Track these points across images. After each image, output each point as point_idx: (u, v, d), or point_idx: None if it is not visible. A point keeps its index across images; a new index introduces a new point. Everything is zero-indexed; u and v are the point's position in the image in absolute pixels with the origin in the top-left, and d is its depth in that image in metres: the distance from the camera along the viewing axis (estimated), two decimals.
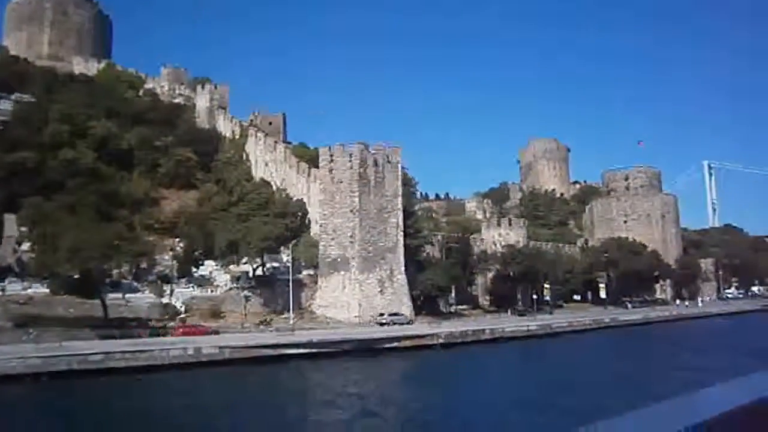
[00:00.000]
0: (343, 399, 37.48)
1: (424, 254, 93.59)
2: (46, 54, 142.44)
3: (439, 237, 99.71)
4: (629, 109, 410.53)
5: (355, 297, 78.87)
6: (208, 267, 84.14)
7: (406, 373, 47.24)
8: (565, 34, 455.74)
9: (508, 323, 72.47)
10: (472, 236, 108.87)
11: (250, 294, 72.80)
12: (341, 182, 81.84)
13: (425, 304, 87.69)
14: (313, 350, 50.82)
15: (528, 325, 69.60)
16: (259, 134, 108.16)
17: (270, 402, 36.81)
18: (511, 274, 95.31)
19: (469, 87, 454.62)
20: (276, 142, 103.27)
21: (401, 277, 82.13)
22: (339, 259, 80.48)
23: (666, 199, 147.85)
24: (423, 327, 65.04)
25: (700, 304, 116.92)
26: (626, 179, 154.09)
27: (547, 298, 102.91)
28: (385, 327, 66.74)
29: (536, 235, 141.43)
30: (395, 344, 55.38)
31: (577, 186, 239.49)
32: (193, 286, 77.96)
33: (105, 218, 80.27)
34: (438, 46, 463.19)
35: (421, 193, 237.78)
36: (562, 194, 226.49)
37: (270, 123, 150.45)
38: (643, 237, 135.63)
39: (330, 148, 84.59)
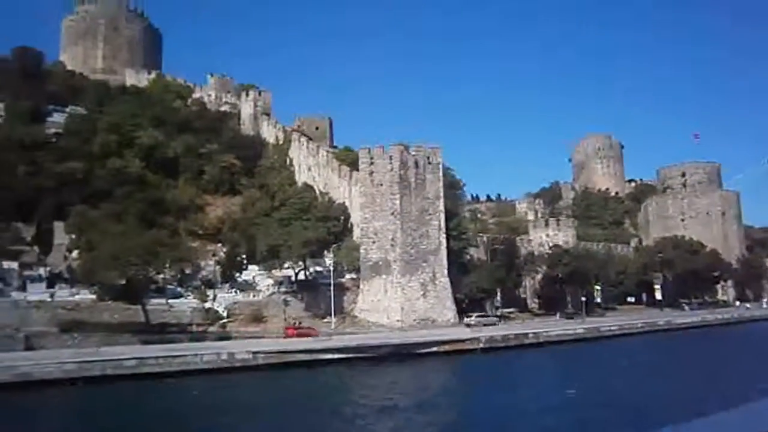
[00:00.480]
0: (376, 405, 36.39)
1: (469, 257, 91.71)
2: (100, 68, 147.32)
3: (485, 239, 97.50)
4: (685, 102, 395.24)
5: (397, 301, 77.76)
6: (252, 272, 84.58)
7: (440, 379, 45.72)
8: (618, 33, 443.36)
9: (554, 327, 69.78)
10: (519, 237, 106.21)
11: (289, 299, 72.59)
12: (381, 185, 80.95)
13: (470, 307, 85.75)
14: (350, 355, 49.93)
15: (575, 329, 66.86)
16: (302, 139, 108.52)
17: (297, 407, 36.03)
18: (559, 275, 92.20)
19: (519, 85, 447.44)
20: (318, 146, 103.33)
21: (444, 280, 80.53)
22: (380, 263, 79.55)
23: (726, 196, 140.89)
24: (464, 331, 63.28)
25: (764, 306, 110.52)
26: (683, 175, 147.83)
27: (598, 300, 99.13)
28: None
29: (588, 236, 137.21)
30: (434, 349, 53.96)
31: (633, 184, 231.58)
32: (235, 291, 78.41)
33: (150, 225, 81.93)
34: (484, 42, 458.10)
35: (472, 196, 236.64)
36: (616, 193, 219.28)
37: (316, 128, 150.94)
38: (701, 236, 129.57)
39: (369, 150, 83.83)
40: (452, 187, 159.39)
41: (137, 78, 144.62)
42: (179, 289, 78.04)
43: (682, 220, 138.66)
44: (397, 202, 79.84)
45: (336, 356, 49.45)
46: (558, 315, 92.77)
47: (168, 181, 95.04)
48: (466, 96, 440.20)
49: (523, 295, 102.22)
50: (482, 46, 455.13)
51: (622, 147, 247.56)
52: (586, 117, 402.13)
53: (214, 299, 75.66)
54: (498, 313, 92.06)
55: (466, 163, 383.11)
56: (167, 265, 64.08)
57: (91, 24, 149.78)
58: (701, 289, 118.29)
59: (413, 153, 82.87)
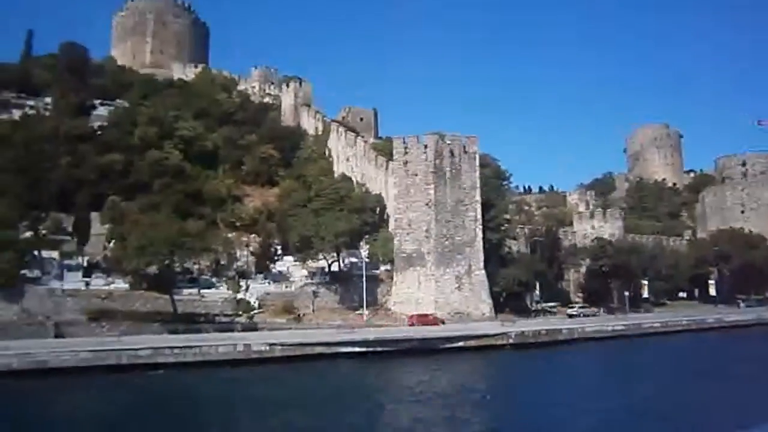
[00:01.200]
0: (386, 402, 35.05)
1: (507, 249, 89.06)
2: (149, 62, 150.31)
3: (526, 230, 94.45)
4: (748, 90, 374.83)
5: (430, 293, 76.06)
6: (286, 263, 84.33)
7: (459, 378, 43.77)
8: (675, 17, 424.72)
9: (592, 322, 66.68)
10: (563, 230, 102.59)
11: (317, 290, 71.93)
12: (416, 175, 79.23)
13: (509, 300, 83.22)
14: (370, 349, 48.68)
15: (613, 325, 63.58)
16: (340, 129, 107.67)
17: (307, 403, 34.96)
18: (603, 269, 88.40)
19: (574, 74, 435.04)
20: (356, 136, 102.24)
21: (480, 273, 78.26)
22: (414, 255, 77.96)
23: None
24: (494, 325, 61.08)
25: None
26: (743, 165, 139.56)
27: (646, 295, 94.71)
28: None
29: (639, 228, 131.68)
30: (460, 344, 52.08)
31: (692, 175, 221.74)
32: (269, 282, 78.27)
33: (185, 216, 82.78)
34: (536, 31, 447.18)
35: (525, 188, 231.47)
36: (674, 184, 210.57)
37: (361, 119, 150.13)
38: (763, 229, 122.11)
39: (404, 139, 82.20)
40: (497, 177, 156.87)
41: (184, 72, 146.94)
42: (213, 279, 78.54)
43: (742, 212, 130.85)
44: (432, 192, 77.98)
45: (356, 349, 48.27)
46: (601, 310, 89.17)
47: (207, 173, 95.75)
48: (519, 86, 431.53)
49: (566, 289, 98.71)
50: (533, 34, 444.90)
51: (681, 136, 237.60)
52: (644, 106, 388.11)
53: (246, 290, 75.79)
54: (539, 307, 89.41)
55: (518, 155, 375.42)
56: (193, 256, 64.06)
57: (139, 19, 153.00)
58: (762, 285, 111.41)
59: (448, 142, 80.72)
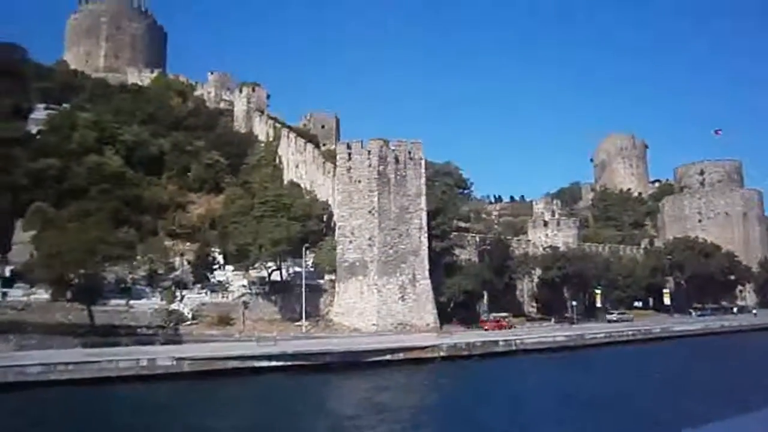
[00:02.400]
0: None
1: (456, 257, 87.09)
2: (103, 66, 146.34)
3: (477, 239, 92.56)
4: (715, 101, 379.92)
5: (373, 304, 73.69)
6: (227, 272, 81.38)
7: (368, 394, 41.22)
8: (639, 32, 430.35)
9: (534, 333, 64.78)
10: (516, 238, 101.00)
11: (256, 300, 69.17)
12: (359, 181, 76.95)
13: (458, 311, 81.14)
14: (288, 363, 46.01)
15: (554, 336, 61.68)
16: (290, 135, 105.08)
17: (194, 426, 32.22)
18: (554, 278, 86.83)
19: (543, 86, 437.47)
20: (306, 142, 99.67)
21: (425, 282, 76.10)
22: (357, 264, 75.55)
23: (747, 195, 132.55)
24: (429, 337, 58.85)
25: None
26: (701, 174, 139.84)
27: (599, 304, 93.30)
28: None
29: (600, 237, 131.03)
30: (387, 357, 49.61)
31: (656, 185, 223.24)
32: (206, 292, 75.25)
33: (123, 223, 79.58)
34: (503, 42, 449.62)
35: (495, 197, 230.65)
36: (640, 194, 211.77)
37: (323, 126, 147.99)
38: (720, 237, 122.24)
39: (348, 144, 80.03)
40: (459, 186, 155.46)
41: (139, 76, 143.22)
42: (148, 289, 75.35)
43: (700, 221, 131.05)
44: (375, 199, 75.77)
45: (274, 363, 45.57)
46: (553, 320, 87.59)
47: (151, 179, 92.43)
48: (487, 96, 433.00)
49: (519, 299, 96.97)
50: (501, 45, 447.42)
51: (646, 146, 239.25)
52: (613, 118, 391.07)
53: (181, 300, 72.81)
54: (490, 317, 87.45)
55: (491, 165, 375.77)
56: (119, 264, 61.02)
57: (93, 22, 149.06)
58: (718, 294, 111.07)
59: (393, 148, 78.64)
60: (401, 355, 50.31)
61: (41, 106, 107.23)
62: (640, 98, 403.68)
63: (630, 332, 68.62)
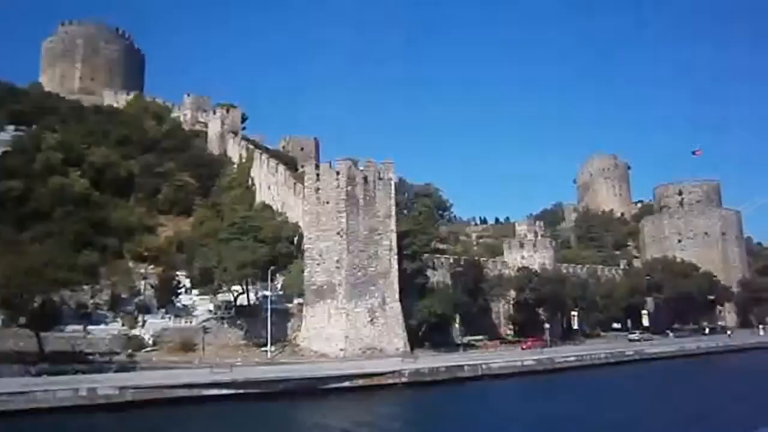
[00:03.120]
0: None
1: (432, 280, 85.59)
2: (78, 88, 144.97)
3: (451, 260, 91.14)
4: (699, 123, 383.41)
5: (341, 328, 71.74)
6: (193, 296, 79.33)
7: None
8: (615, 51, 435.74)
9: (505, 357, 63.06)
10: (492, 260, 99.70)
11: (212, 326, 67.23)
12: (327, 202, 75.47)
13: (429, 334, 79.34)
14: (239, 391, 44.06)
15: (522, 360, 60.01)
16: (263, 157, 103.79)
17: None
18: (529, 300, 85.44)
19: (526, 104, 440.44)
20: (278, 164, 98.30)
21: (395, 306, 74.37)
22: (325, 287, 73.74)
23: (726, 215, 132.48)
24: (393, 362, 57.09)
25: (761, 333, 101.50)
26: (680, 194, 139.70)
27: (575, 326, 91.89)
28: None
29: (581, 258, 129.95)
30: (345, 384, 47.76)
31: (639, 205, 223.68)
32: (170, 317, 73.06)
33: (86, 246, 77.53)
34: (490, 59, 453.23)
35: (480, 219, 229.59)
36: (622, 214, 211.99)
37: (302, 148, 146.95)
38: (700, 257, 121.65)
39: (317, 165, 78.80)
40: (439, 208, 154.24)
41: (115, 98, 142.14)
42: (109, 314, 73.12)
43: (679, 241, 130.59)
44: (344, 220, 74.19)
45: (223, 392, 43.60)
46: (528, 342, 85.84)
47: (120, 201, 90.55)
48: (469, 117, 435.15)
49: (495, 321, 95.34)
50: (487, 62, 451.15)
51: (629, 167, 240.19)
52: (596, 139, 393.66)
53: (143, 325, 70.61)
54: (464, 341, 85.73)
55: (473, 187, 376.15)
56: (62, 288, 59.04)
57: (69, 45, 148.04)
58: (699, 314, 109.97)
59: (362, 168, 77.41)
60: (360, 382, 48.49)
61: (11, 127, 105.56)
62: (623, 118, 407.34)
63: (602, 355, 67.03)
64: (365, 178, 76.58)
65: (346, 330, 71.50)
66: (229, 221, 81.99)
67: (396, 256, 75.98)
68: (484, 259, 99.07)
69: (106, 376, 49.25)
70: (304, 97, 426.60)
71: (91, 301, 74.24)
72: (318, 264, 74.58)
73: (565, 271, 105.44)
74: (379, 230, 76.00)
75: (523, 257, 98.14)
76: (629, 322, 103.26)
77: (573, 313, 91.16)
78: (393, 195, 77.89)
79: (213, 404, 42.67)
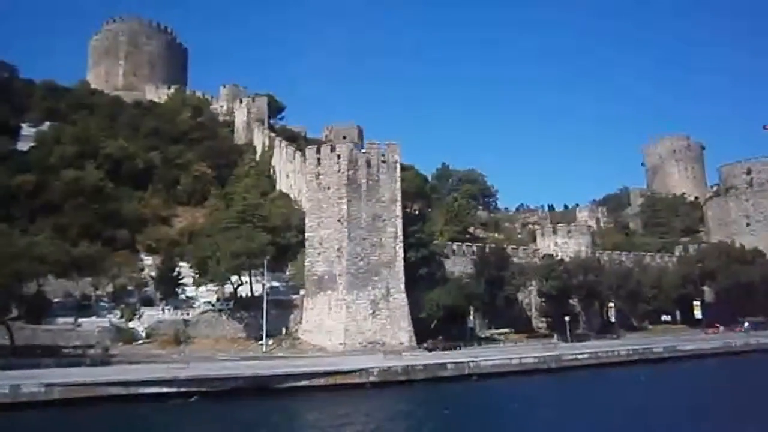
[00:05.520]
0: None
1: (453, 270, 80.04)
2: (121, 85, 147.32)
3: (474, 248, 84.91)
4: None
5: (341, 321, 67.51)
6: (198, 288, 77.12)
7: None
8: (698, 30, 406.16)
9: (494, 355, 56.88)
10: (523, 248, 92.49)
11: (206, 319, 64.52)
12: (328, 188, 71.35)
13: (446, 327, 73.71)
14: (182, 389, 40.70)
15: (521, 357, 53.65)
16: (282, 144, 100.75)
17: None
18: (552, 291, 78.12)
19: (592, 87, 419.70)
20: (295, 151, 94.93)
21: (400, 297, 69.46)
22: (326, 277, 69.79)
23: None
24: (374, 359, 52.36)
25: None
26: (748, 173, 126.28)
27: (613, 319, 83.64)
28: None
29: (637, 245, 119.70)
30: (304, 383, 43.52)
31: (714, 189, 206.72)
32: (169, 309, 71.10)
33: (94, 238, 76.77)
34: (550, 41, 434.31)
35: (549, 206, 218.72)
36: (696, 198, 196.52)
37: (344, 137, 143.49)
38: None
39: (319, 148, 74.70)
40: (484, 194, 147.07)
41: (156, 93, 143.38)
42: (111, 305, 72.06)
43: (747, 224, 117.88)
44: (344, 206, 69.88)
45: (163, 390, 40.33)
46: (555, 337, 78.78)
47: (131, 193, 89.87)
48: (531, 101, 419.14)
49: (527, 313, 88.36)
50: (547, 46, 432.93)
51: (703, 148, 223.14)
52: (667, 118, 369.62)
53: (140, 318, 69.02)
54: (487, 334, 79.73)
55: (529, 173, 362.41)
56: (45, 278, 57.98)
57: (112, 42, 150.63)
58: (759, 306, 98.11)
59: (364, 151, 72.73)
60: (322, 381, 44.10)
61: (46, 124, 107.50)
62: (699, 98, 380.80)
63: (624, 352, 59.44)
64: (368, 162, 71.89)
65: (346, 323, 67.26)
66: (237, 210, 79.07)
67: (402, 244, 70.95)
68: (514, 247, 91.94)
69: (65, 371, 46.99)
70: (350, 87, 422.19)
71: (96, 293, 73.59)
72: (318, 253, 70.69)
73: (607, 258, 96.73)
74: (384, 217, 71.16)
75: (556, 244, 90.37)
76: (678, 314, 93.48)
77: (610, 304, 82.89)
78: (398, 179, 72.70)
79: (150, 404, 39.57)
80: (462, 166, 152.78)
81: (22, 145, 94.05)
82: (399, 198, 72.06)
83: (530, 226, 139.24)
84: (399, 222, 71.32)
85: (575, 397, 44.91)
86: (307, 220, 72.54)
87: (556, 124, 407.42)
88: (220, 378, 42.28)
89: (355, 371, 45.25)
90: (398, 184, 72.50)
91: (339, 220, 69.97)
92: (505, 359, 52.54)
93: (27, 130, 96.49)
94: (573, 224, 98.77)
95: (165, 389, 40.53)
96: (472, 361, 50.22)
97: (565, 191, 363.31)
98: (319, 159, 72.69)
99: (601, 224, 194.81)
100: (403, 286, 69.73)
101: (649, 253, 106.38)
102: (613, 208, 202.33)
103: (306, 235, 72.21)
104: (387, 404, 41.37)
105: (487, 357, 52.45)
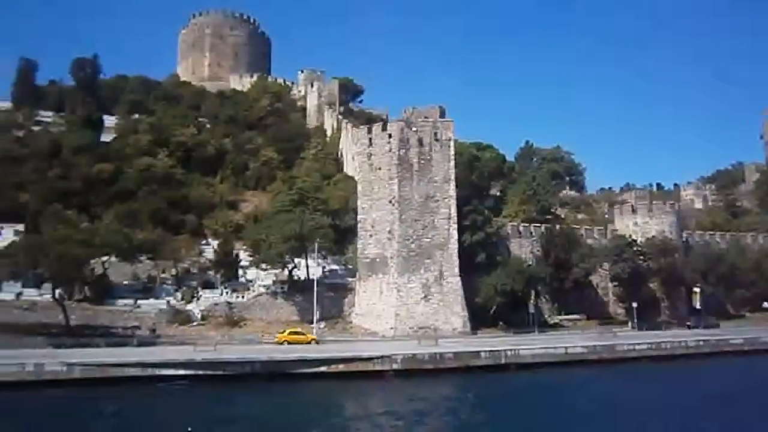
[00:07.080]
0: None
1: (518, 252, 75.93)
2: (207, 76, 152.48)
3: (542, 229, 79.91)
4: None
5: (392, 305, 65.64)
6: (258, 271, 77.88)
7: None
8: None
9: (536, 343, 52.68)
10: (598, 228, 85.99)
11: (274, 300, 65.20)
12: (379, 168, 69.47)
13: (507, 313, 69.97)
14: (198, 372, 40.60)
15: (566, 347, 49.28)
16: (348, 126, 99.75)
17: None
18: (621, 274, 71.85)
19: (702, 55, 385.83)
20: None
21: (454, 281, 66.54)
22: (378, 260, 68.24)
23: None
24: (408, 345, 50.08)
25: None
26: None
27: (698, 306, 75.96)
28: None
29: (733, 225, 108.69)
30: (322, 369, 42.14)
31: None
32: (227, 291, 72.27)
33: (162, 224, 79.52)
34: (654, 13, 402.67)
35: (657, 185, 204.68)
36: None
37: (425, 117, 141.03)
38: None
39: (370, 129, 72.75)
40: (569, 173, 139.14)
41: (240, 82, 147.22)
42: (173, 288, 74.29)
43: None
44: (395, 187, 67.71)
45: (180, 372, 40.40)
46: (630, 325, 72.58)
47: (199, 179, 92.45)
48: (630, 73, 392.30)
49: (604, 299, 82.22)
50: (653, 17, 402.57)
51: None
52: None
53: (198, 300, 70.63)
54: (556, 320, 75.09)
55: (627, 150, 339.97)
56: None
57: (198, 35, 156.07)
58: None
59: (415, 129, 69.93)
60: (341, 367, 42.50)
61: (135, 116, 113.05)
62: None
63: (692, 343, 53.32)
64: (420, 140, 69.14)
65: (396, 307, 65.32)
66: (296, 193, 79.11)
67: (455, 226, 67.89)
68: (588, 227, 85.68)
69: (104, 351, 48.39)
70: (434, 69, 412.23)
71: (161, 275, 76.20)
72: (370, 235, 69.21)
73: (699, 239, 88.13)
74: (436, 197, 68.28)
75: (636, 224, 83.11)
76: None
77: (695, 289, 75.29)
78: (452, 157, 69.38)
79: (167, 385, 39.74)
80: (551, 144, 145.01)
81: (105, 137, 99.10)
82: (453, 177, 68.82)
83: (616, 206, 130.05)
84: (453, 203, 68.20)
85: (612, 393, 40.47)
86: (359, 202, 71.16)
87: (666, 95, 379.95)
88: (237, 362, 41.73)
89: (377, 358, 43.20)
90: (452, 163, 69.26)
91: (390, 202, 67.94)
92: (547, 349, 48.41)
93: (110, 122, 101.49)
94: (655, 202, 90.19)
95: (181, 371, 40.57)
96: (510, 350, 46.62)
97: (675, 169, 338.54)
98: (371, 139, 70.87)
99: (709, 203, 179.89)
100: (457, 270, 66.72)
101: (750, 234, 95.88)
102: (725, 185, 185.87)
103: (358, 217, 70.89)
104: (388, 397, 39.03)
105: (525, 347, 48.47)
